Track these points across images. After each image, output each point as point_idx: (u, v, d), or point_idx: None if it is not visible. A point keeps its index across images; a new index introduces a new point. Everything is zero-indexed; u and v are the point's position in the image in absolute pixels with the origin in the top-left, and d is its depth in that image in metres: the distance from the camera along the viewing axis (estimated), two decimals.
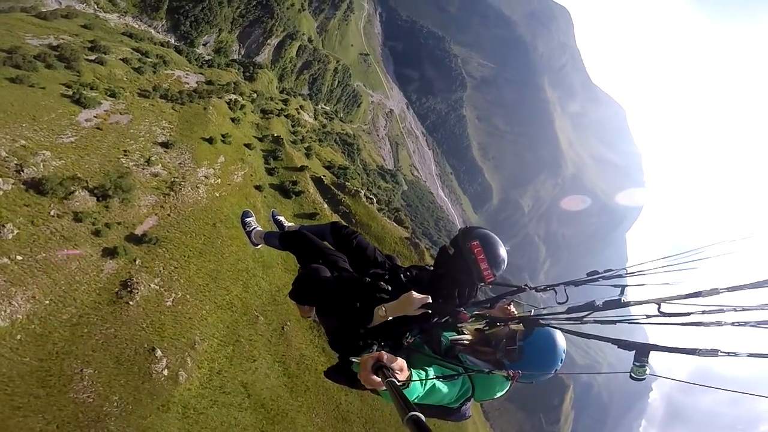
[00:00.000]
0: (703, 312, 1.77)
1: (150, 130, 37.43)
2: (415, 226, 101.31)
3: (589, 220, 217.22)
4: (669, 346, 1.84)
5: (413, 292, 2.66)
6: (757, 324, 1.63)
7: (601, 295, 2.62)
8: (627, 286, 2.72)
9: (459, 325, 2.84)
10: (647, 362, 1.95)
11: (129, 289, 25.47)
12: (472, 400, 2.73)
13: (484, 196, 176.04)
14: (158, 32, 64.69)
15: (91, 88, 38.05)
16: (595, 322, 2.16)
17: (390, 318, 2.74)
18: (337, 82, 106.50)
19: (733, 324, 1.71)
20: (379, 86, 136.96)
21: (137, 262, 26.98)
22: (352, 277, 3.24)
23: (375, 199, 64.72)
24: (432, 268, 3.25)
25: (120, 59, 47.39)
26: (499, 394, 2.83)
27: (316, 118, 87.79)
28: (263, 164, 48.63)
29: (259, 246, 4.57)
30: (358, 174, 76.96)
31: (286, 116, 67.61)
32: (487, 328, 2.83)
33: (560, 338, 2.65)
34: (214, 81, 58.86)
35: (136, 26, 61.80)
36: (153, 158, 34.54)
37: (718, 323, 1.72)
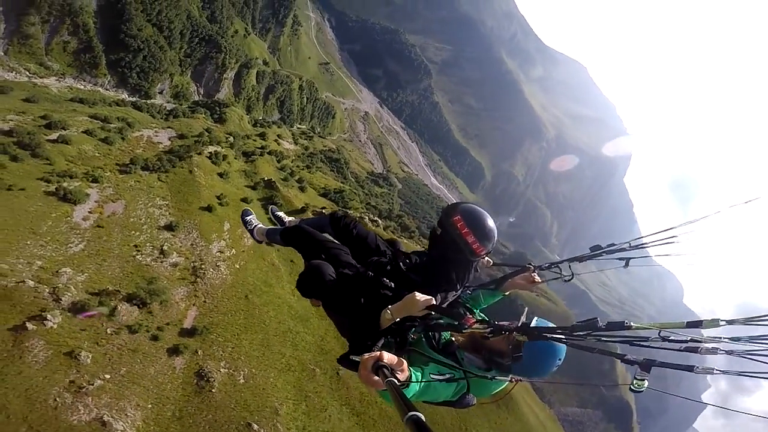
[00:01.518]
0: (701, 341, 1.92)
1: (148, 214, 37.21)
2: (419, 222, 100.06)
3: (583, 174, 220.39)
4: (669, 362, 1.98)
5: (417, 293, 2.71)
6: (744, 354, 1.83)
7: (605, 266, 2.95)
8: (631, 258, 3.04)
9: (464, 330, 2.77)
10: (648, 376, 2.08)
11: (205, 378, 27.94)
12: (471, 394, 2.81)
13: (476, 175, 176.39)
14: (107, 89, 60.50)
15: (70, 177, 35.92)
16: (597, 341, 2.20)
17: (397, 319, 2.80)
18: (305, 98, 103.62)
19: (726, 352, 1.88)
20: (348, 92, 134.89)
21: (199, 353, 29.18)
22: (355, 271, 3.31)
23: (379, 218, 65.39)
24: (426, 253, 3.33)
25: (82, 132, 44.16)
26: (495, 392, 2.89)
27: (296, 143, 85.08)
28: (264, 215, 46.89)
29: (262, 243, 4.67)
30: (355, 192, 74.66)
31: (269, 153, 65.26)
32: (490, 335, 2.75)
33: (558, 348, 2.67)
34: (186, 133, 55.78)
35: (82, 87, 57.38)
36: (165, 247, 34.49)
37: (714, 351, 1.90)
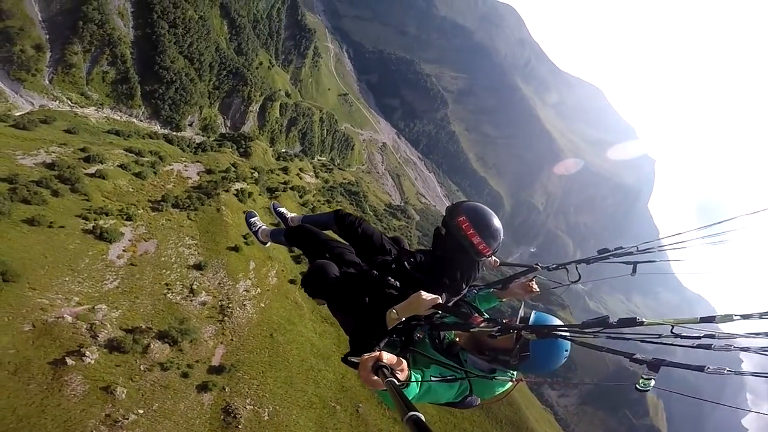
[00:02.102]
0: (714, 336, 1.89)
1: (178, 253, 38.85)
2: None
3: (605, 203, 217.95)
4: (678, 362, 1.97)
5: (422, 293, 2.70)
6: (760, 351, 1.82)
7: (612, 271, 3.05)
8: (639, 262, 3.04)
9: (472, 329, 2.73)
10: (656, 376, 2.05)
11: (232, 414, 29.37)
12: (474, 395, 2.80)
13: (495, 205, 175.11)
14: (141, 121, 63.04)
15: (106, 214, 37.32)
16: (608, 338, 2.23)
17: (403, 318, 2.79)
18: (325, 130, 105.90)
19: (741, 349, 1.87)
20: (366, 122, 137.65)
21: (226, 390, 30.63)
22: (359, 270, 3.33)
23: None
24: (430, 253, 3.31)
25: (118, 166, 45.78)
26: (498, 392, 2.89)
27: (317, 176, 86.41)
28: (288, 253, 47.83)
29: (267, 244, 4.72)
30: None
31: (291, 189, 66.57)
32: (498, 334, 2.71)
33: (563, 345, 2.67)
34: (213, 168, 57.43)
35: (118, 118, 60.00)
36: (195, 286, 36.14)
37: (727, 348, 1.88)
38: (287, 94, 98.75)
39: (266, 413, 30.80)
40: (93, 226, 35.01)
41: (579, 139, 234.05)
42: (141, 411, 25.77)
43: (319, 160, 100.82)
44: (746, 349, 1.84)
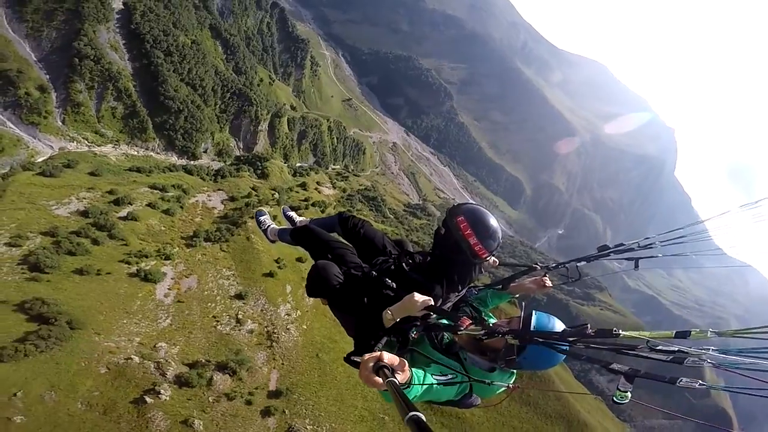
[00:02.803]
0: (687, 352, 1.94)
1: (219, 285, 41.45)
2: None
3: (629, 175, 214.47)
4: (651, 373, 2.03)
5: (415, 294, 2.81)
6: (730, 368, 1.83)
7: (615, 267, 3.15)
8: (641, 258, 3.06)
9: (459, 332, 2.88)
10: (631, 388, 2.11)
11: None
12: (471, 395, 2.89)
13: (515, 191, 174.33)
14: (158, 153, 64.53)
15: (146, 257, 39.85)
16: (586, 347, 2.26)
17: (398, 319, 2.89)
18: (335, 139, 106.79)
19: (713, 365, 1.88)
20: (373, 125, 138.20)
21: (286, 413, 32.81)
22: (360, 271, 3.44)
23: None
24: (430, 253, 3.44)
25: (146, 205, 47.71)
26: (498, 392, 2.93)
27: (334, 187, 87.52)
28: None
29: (275, 242, 4.93)
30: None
31: (312, 205, 67.93)
32: (485, 338, 2.85)
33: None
34: (236, 194, 59.09)
35: (135, 153, 61.22)
36: (240, 316, 38.66)
37: (700, 363, 1.90)
38: (292, 107, 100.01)
39: (324, 431, 33.12)
40: (137, 270, 37.34)
41: (591, 114, 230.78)
42: None
43: (333, 169, 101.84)
44: (718, 366, 1.87)
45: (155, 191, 51.05)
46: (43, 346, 26.40)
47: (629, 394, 2.12)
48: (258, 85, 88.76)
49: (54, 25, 58.65)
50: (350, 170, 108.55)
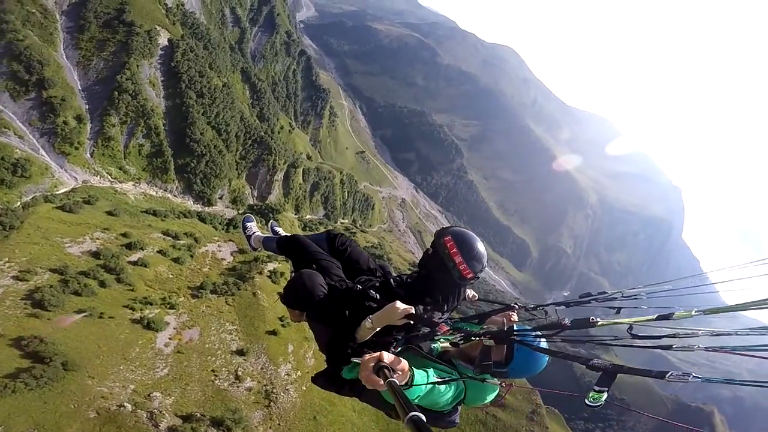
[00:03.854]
0: (675, 335, 1.81)
1: (221, 339, 40.81)
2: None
3: (637, 239, 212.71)
4: (637, 368, 1.84)
5: (397, 302, 2.82)
6: (732, 350, 1.66)
7: (598, 314, 2.79)
8: (623, 307, 3.01)
9: (436, 337, 2.92)
10: (609, 387, 1.92)
11: None
12: (462, 403, 2.89)
13: (522, 253, 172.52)
14: (175, 196, 65.33)
15: (150, 304, 39.38)
16: (564, 340, 2.18)
17: (377, 329, 2.87)
18: (346, 192, 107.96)
19: (706, 349, 1.74)
20: (384, 179, 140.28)
21: None
22: (343, 284, 3.45)
23: None
24: (416, 272, 3.44)
25: (157, 252, 47.66)
26: (489, 399, 2.98)
27: None
28: None
29: (257, 250, 5.04)
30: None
31: None
32: (462, 342, 2.86)
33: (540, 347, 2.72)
34: (245, 248, 59.35)
35: (154, 193, 61.73)
36: (240, 372, 38.10)
37: (690, 347, 1.76)
38: (308, 157, 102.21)
39: None
40: (140, 317, 37.05)
41: (599, 174, 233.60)
42: None
43: (342, 223, 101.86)
44: (716, 350, 1.72)
45: (168, 238, 51.19)
46: (33, 385, 26.01)
47: (605, 395, 1.91)
48: (278, 133, 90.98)
49: (103, 56, 60.92)
50: (358, 225, 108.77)
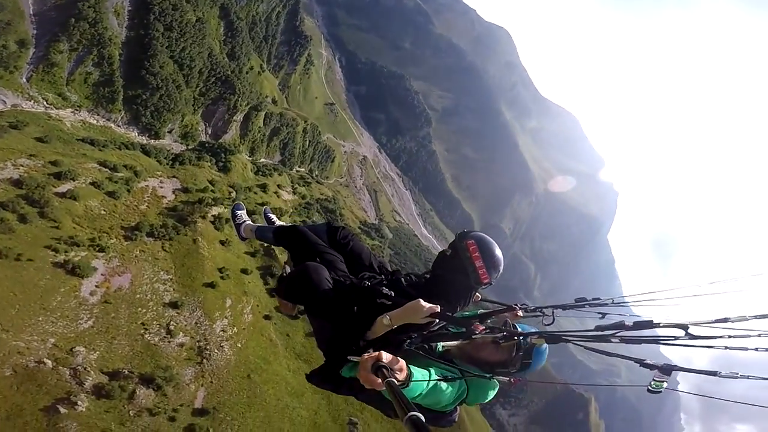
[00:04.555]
0: (730, 337, 1.89)
1: (153, 290, 38.56)
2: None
3: (569, 231, 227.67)
4: (690, 368, 2.01)
5: (421, 300, 2.70)
6: None
7: (584, 317, 3.04)
8: (608, 314, 3.08)
9: (474, 336, 2.81)
10: (668, 378, 2.08)
11: None
12: (464, 402, 2.85)
13: (465, 227, 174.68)
14: (119, 126, 60.68)
15: (77, 245, 35.84)
16: (621, 341, 2.22)
17: (395, 326, 2.78)
18: (308, 141, 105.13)
19: (756, 350, 1.87)
20: (349, 134, 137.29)
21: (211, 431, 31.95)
22: (350, 280, 3.28)
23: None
24: (429, 272, 3.37)
25: (90, 183, 44.23)
26: (490, 396, 2.97)
27: (294, 192, 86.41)
28: (263, 286, 48.65)
29: (246, 239, 4.68)
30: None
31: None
32: (503, 341, 2.82)
33: (545, 347, 2.85)
34: (190, 186, 56.56)
35: (95, 122, 57.35)
36: (172, 327, 36.28)
37: (744, 348, 1.90)
38: (274, 101, 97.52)
39: None
40: (64, 260, 33.86)
41: (552, 166, 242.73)
42: None
43: (297, 171, 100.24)
44: (766, 350, 1.82)
45: (104, 169, 47.82)
46: None
47: (665, 384, 2.10)
48: (246, 73, 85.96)
49: None
50: (314, 176, 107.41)
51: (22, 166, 40.14)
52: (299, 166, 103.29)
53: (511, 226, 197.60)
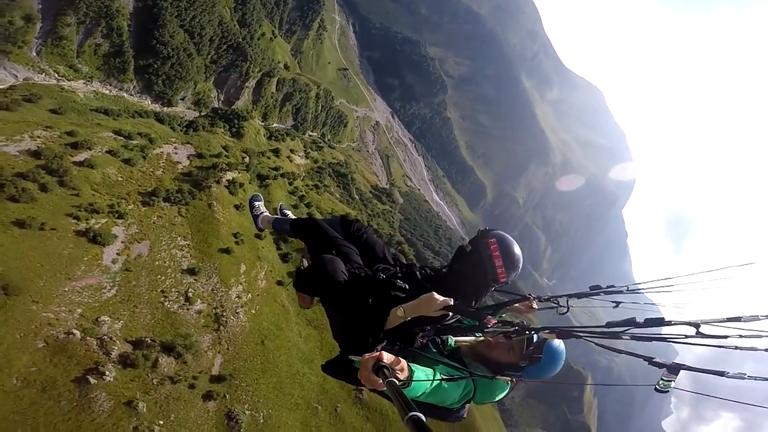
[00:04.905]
0: (741, 336, 1.87)
1: (171, 256, 38.79)
2: (418, 250, 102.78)
3: (584, 203, 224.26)
4: (698, 367, 1.99)
5: (434, 293, 2.70)
6: None
7: (597, 305, 3.04)
8: (623, 302, 3.08)
9: (486, 330, 2.81)
10: (675, 378, 2.08)
11: (234, 420, 32.40)
12: (471, 402, 2.86)
13: (478, 194, 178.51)
14: (132, 95, 60.79)
15: (96, 212, 36.63)
16: (632, 338, 2.20)
17: (408, 318, 2.78)
18: (320, 106, 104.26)
19: (765, 350, 1.85)
20: (362, 100, 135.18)
21: (227, 398, 33.21)
22: (363, 271, 3.29)
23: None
24: (447, 267, 3.35)
25: (106, 152, 44.77)
26: (499, 397, 2.98)
27: (307, 156, 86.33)
28: (275, 251, 49.36)
29: (262, 230, 4.77)
30: (358, 217, 76.40)
31: (282, 176, 66.92)
32: (514, 335, 2.78)
33: (563, 348, 2.82)
34: (204, 152, 56.97)
35: (107, 92, 57.49)
36: (190, 294, 36.82)
37: (754, 348, 1.87)
38: (286, 67, 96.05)
39: (261, 417, 33.97)
40: (86, 228, 34.26)
41: (571, 138, 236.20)
42: (161, 422, 28.36)
43: (310, 136, 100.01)
44: None
45: (119, 138, 48.06)
46: None
47: (673, 383, 2.09)
48: (258, 40, 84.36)
49: None
50: (326, 140, 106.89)
51: (39, 137, 39.87)
52: (312, 131, 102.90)
53: (525, 196, 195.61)
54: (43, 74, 50.03)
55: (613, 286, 3.18)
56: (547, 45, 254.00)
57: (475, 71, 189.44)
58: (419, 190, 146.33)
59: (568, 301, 3.33)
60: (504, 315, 3.65)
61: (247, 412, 33.29)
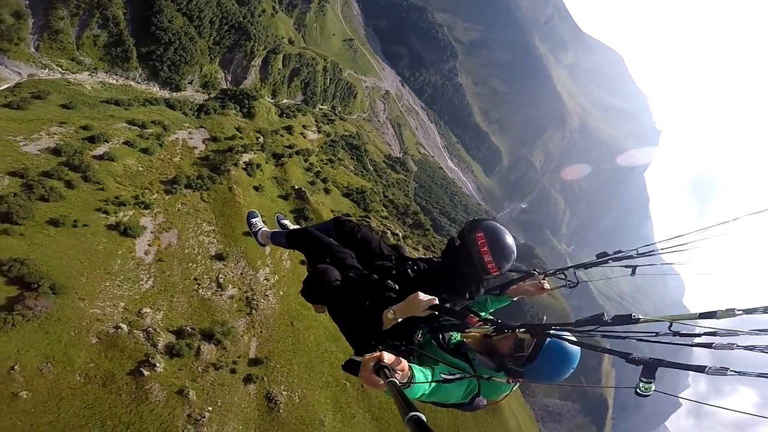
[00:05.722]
0: (716, 333, 1.83)
1: (199, 242, 40.28)
2: (434, 218, 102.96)
3: (602, 167, 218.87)
4: (678, 362, 1.91)
5: (419, 294, 2.73)
6: (764, 349, 1.68)
7: (612, 273, 2.98)
8: (638, 266, 3.01)
9: (467, 329, 2.89)
10: (654, 379, 1.99)
11: (273, 401, 33.92)
12: (479, 396, 2.81)
13: (493, 160, 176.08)
14: (139, 83, 60.58)
15: (123, 204, 38.14)
16: (603, 336, 2.18)
17: (400, 320, 2.81)
18: (329, 79, 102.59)
19: (746, 348, 1.77)
20: (370, 69, 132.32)
21: (265, 380, 34.65)
22: (360, 275, 3.33)
23: (395, 217, 70.74)
24: (439, 259, 3.35)
25: (123, 143, 45.52)
26: (504, 394, 2.99)
27: (319, 131, 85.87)
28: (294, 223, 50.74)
29: (266, 246, 4.83)
30: (375, 193, 76.16)
31: (296, 153, 67.05)
32: (494, 334, 2.86)
33: (573, 350, 2.69)
34: (218, 135, 57.37)
35: (114, 82, 57.39)
36: (221, 280, 38.32)
37: (730, 346, 1.78)
38: (290, 42, 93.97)
39: (297, 396, 35.44)
40: (115, 222, 35.50)
41: (588, 102, 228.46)
42: (210, 408, 30.00)
43: (320, 109, 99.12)
44: (751, 348, 1.74)
45: (134, 127, 48.75)
46: (30, 316, 25.54)
47: (652, 385, 2.00)
48: (259, 17, 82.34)
49: None
50: (337, 113, 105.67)
51: (55, 134, 40.48)
52: (322, 105, 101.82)
53: (542, 159, 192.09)
54: (47, 69, 49.73)
55: (620, 251, 3.10)
56: (561, 9, 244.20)
57: (486, 37, 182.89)
58: (433, 157, 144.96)
59: (575, 273, 3.23)
60: (514, 299, 3.69)
61: (284, 392, 34.66)
